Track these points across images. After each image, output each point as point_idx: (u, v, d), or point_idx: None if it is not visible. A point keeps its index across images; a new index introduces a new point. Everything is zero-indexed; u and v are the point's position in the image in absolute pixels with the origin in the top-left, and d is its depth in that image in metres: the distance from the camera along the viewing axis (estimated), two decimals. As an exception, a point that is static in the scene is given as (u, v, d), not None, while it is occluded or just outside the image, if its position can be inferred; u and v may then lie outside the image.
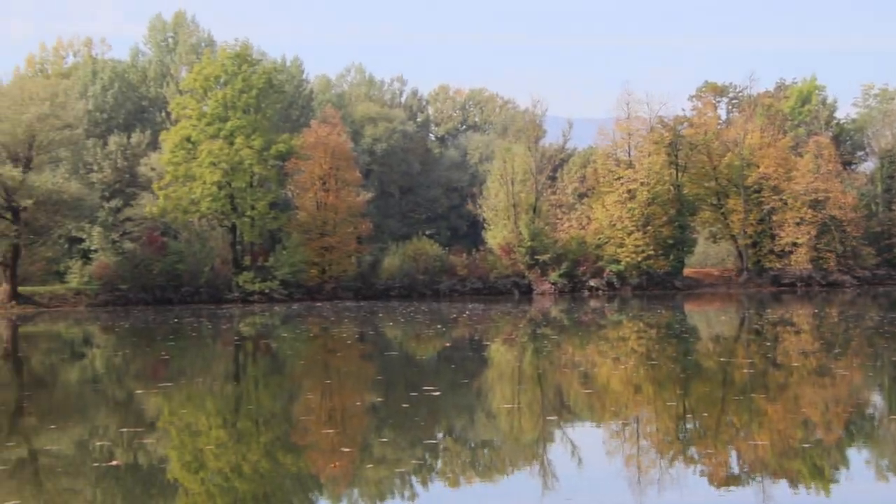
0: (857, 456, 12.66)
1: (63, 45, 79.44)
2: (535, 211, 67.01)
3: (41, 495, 11.13)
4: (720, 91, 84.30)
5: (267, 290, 59.62)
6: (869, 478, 11.49)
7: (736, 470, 11.82)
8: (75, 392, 21.14)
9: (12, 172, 52.89)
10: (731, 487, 10.93)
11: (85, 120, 64.57)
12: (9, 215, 54.65)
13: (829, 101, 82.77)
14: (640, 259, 65.60)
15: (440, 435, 14.29)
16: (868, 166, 79.09)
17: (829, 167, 69.15)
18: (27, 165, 55.12)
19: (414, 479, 11.48)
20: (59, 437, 14.79)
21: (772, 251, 69.22)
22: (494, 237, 68.72)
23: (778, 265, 68.82)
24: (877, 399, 17.48)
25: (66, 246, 64.84)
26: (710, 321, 39.10)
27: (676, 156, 69.03)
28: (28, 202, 53.39)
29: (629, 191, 66.49)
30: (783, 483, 11.00)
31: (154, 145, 66.91)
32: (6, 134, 54.60)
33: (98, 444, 13.83)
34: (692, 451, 12.97)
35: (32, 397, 20.03)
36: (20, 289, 56.28)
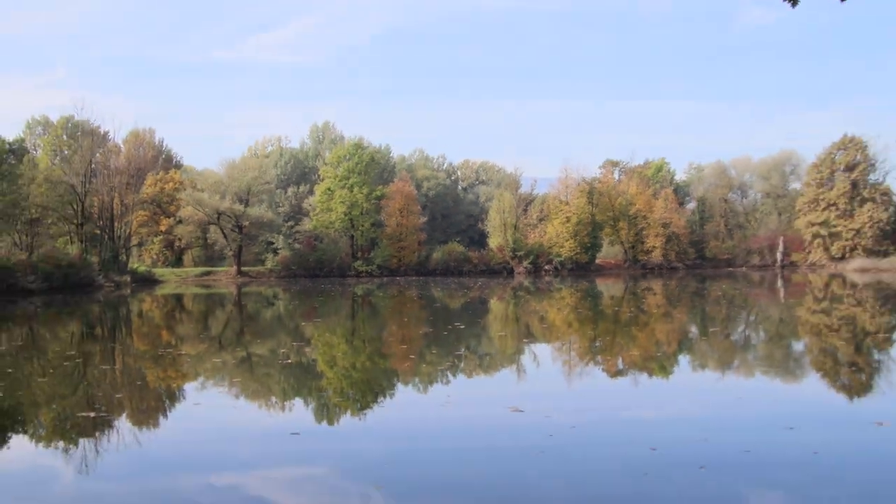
0: (684, 359, 12.68)
1: (267, 140, 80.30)
2: (515, 228, 66.58)
3: (252, 378, 11.31)
4: (615, 164, 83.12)
5: (369, 270, 60.00)
6: (687, 369, 11.54)
7: (621, 366, 11.84)
8: (268, 323, 21.19)
9: (239, 207, 53.91)
10: (618, 377, 11.02)
11: (275, 179, 65.39)
12: (237, 230, 55.59)
13: (671, 170, 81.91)
14: (572, 254, 65.30)
15: (462, 350, 13.93)
16: (692, 206, 78.12)
17: (671, 206, 68.55)
18: (246, 203, 56.01)
19: (448, 373, 11.44)
20: (260, 346, 15.17)
21: (642, 250, 68.71)
22: (494, 242, 68.43)
23: (645, 258, 68.33)
24: (694, 329, 17.37)
25: (265, 245, 65.75)
26: (609, 288, 38.87)
27: (592, 199, 68.54)
28: (246, 223, 54.29)
29: (567, 218, 66.07)
30: (644, 374, 11.11)
31: (310, 192, 67.50)
32: (237, 186, 55.55)
33: (280, 350, 13.79)
34: (598, 357, 12.99)
35: (247, 325, 20.46)
36: (242, 268, 57.17)
